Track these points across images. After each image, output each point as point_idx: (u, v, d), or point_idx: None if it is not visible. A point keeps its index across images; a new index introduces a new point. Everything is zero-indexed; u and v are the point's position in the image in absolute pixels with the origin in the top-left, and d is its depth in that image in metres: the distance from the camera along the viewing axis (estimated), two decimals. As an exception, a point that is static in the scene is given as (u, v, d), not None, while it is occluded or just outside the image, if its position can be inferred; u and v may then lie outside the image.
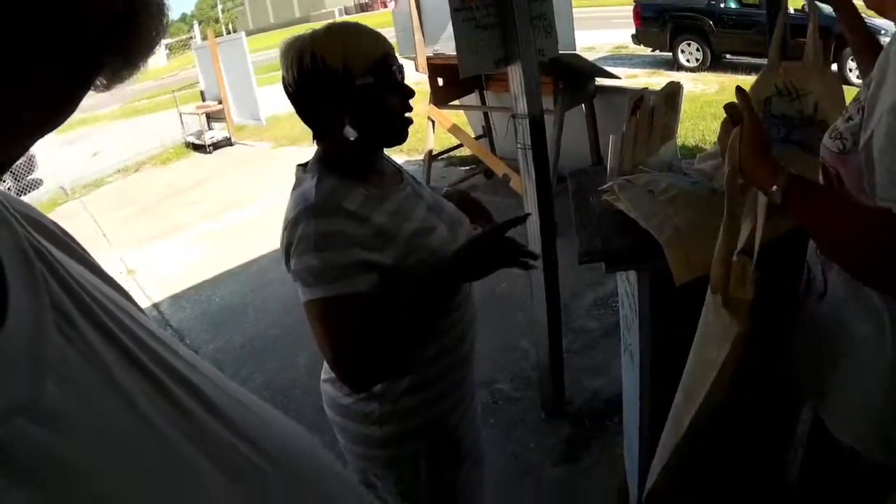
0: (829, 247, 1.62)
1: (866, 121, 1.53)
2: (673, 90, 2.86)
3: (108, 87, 0.66)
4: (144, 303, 7.11)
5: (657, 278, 2.31)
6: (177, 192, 11.86)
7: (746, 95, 1.72)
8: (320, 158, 1.90)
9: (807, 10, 2.62)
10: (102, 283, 0.78)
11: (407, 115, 1.90)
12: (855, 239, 1.47)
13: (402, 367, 1.90)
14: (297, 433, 0.91)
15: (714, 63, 15.75)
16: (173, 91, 17.50)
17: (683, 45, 16.09)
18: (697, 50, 15.85)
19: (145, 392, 0.67)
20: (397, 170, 2.08)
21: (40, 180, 14.71)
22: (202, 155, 14.45)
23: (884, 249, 1.40)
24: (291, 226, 1.74)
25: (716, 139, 1.87)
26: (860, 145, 1.55)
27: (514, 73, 3.72)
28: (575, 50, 7.12)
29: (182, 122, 16.01)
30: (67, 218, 11.88)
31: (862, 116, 1.58)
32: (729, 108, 1.73)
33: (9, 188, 14.24)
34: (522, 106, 3.72)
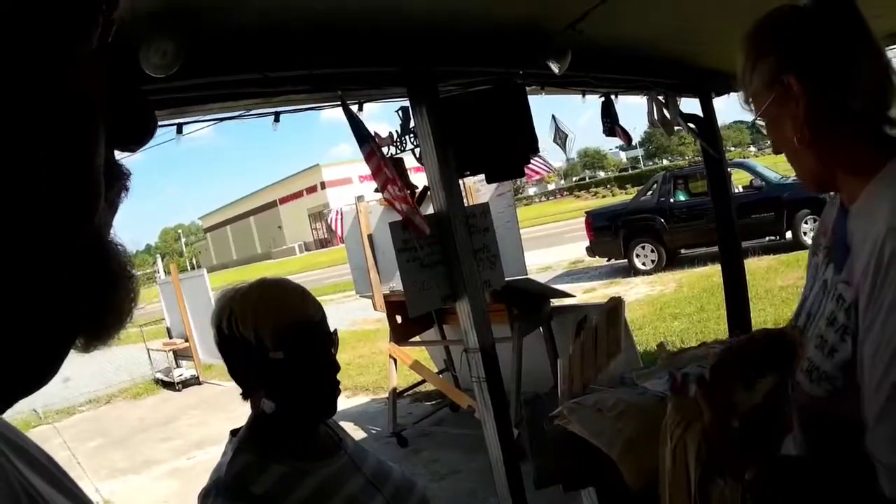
0: None
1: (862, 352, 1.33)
2: (612, 306, 2.95)
3: (86, 350, 0.69)
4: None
5: (617, 492, 2.29)
6: (148, 427, 11.97)
7: (709, 387, 1.52)
8: (248, 426, 1.78)
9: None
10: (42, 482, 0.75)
11: (333, 386, 1.79)
12: None
13: None
14: None
15: (670, 261, 16.22)
16: (140, 326, 17.58)
17: (638, 249, 16.56)
18: (652, 251, 16.31)
19: None
20: (335, 438, 1.94)
21: (13, 398, 15.05)
22: (171, 392, 14.61)
23: None
24: (203, 496, 1.64)
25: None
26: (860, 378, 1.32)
27: (462, 308, 3.80)
28: (526, 273, 7.29)
29: (150, 359, 16.33)
30: (41, 441, 11.90)
31: (853, 345, 1.36)
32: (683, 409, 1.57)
33: (-17, 402, 14.50)
34: (473, 339, 3.77)
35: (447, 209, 3.72)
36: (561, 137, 5.59)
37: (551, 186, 79.66)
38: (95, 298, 0.65)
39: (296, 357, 1.68)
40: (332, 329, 1.80)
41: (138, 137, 0.70)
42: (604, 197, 51.93)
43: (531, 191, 76.74)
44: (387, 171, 3.66)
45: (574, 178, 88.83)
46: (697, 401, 1.51)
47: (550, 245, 25.12)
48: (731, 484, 1.40)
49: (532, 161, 8.10)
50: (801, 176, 1.58)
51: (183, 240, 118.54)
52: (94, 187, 0.62)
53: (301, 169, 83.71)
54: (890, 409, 1.21)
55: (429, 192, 3.82)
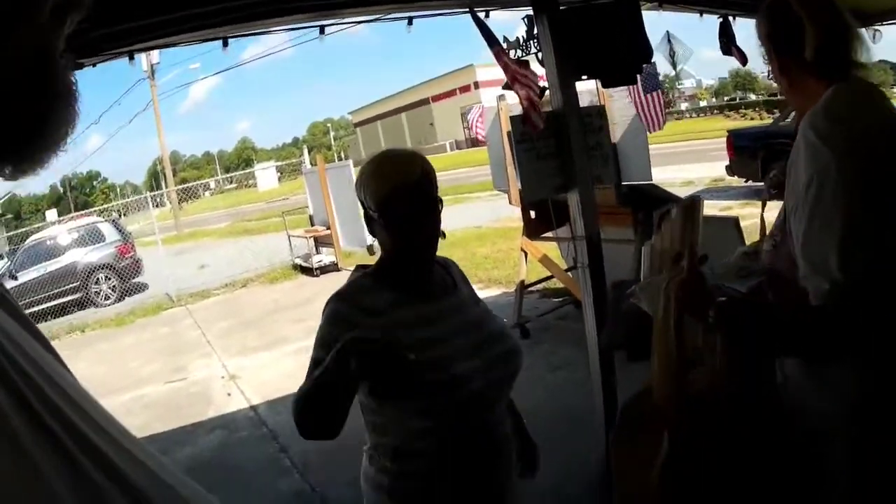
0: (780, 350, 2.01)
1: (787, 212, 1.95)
2: (687, 204, 3.21)
3: (13, 177, 0.73)
4: (243, 405, 7.65)
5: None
6: (282, 308, 12.33)
7: (693, 250, 2.03)
8: (376, 264, 2.20)
9: None
10: (33, 340, 0.78)
11: (426, 239, 2.12)
12: (797, 335, 1.86)
13: (327, 430, 2.01)
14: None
15: (805, 186, 15.61)
16: (283, 213, 18.08)
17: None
18: (789, 176, 15.73)
19: (48, 457, 0.67)
20: (450, 281, 2.27)
21: (146, 284, 15.87)
22: (309, 277, 15.00)
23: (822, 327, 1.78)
24: (326, 303, 2.11)
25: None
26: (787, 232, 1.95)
27: (573, 199, 4.13)
28: (651, 179, 7.40)
29: (290, 245, 16.60)
30: (172, 322, 12.74)
31: (784, 210, 2.00)
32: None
33: (114, 287, 15.23)
34: (580, 228, 4.09)
35: (562, 108, 4.04)
36: (672, 53, 5.74)
37: (703, 103, 77.11)
38: (34, 115, 0.66)
39: (391, 217, 2.03)
40: (436, 196, 2.11)
41: None
42: (752, 119, 49.37)
43: (683, 106, 74.79)
44: (513, 71, 4.01)
45: (725, 98, 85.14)
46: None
47: (697, 161, 24.60)
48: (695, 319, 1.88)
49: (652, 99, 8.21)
50: (793, 108, 2.35)
51: (332, 133, 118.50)
52: None
53: (455, 68, 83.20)
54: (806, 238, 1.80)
55: (548, 92, 4.10)
